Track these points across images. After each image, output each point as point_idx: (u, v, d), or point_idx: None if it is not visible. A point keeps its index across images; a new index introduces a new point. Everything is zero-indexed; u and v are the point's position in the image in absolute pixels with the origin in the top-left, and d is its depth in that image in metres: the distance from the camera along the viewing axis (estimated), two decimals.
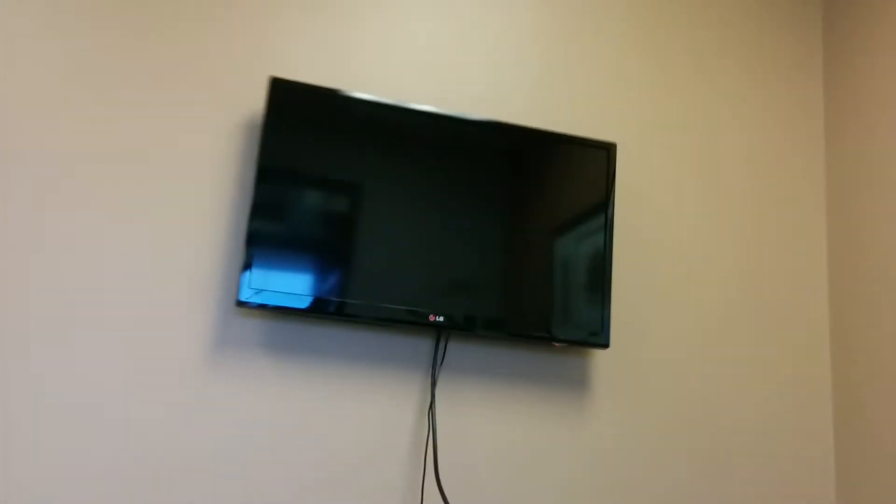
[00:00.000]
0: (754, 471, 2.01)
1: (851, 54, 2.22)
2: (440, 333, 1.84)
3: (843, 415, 2.05)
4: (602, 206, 1.87)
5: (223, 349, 1.73)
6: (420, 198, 1.76)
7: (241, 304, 1.64)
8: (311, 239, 1.69)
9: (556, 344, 1.86)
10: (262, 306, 1.65)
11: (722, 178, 2.15)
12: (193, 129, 1.78)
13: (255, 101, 1.83)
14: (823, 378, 2.11)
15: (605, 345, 1.84)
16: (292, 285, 1.66)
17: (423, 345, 1.84)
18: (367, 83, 1.92)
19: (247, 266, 1.64)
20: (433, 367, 1.81)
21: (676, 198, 2.10)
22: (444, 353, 1.84)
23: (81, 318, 1.66)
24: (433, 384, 1.80)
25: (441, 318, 1.73)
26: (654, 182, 2.09)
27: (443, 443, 1.81)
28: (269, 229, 1.67)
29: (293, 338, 1.77)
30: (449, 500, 1.79)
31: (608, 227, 1.86)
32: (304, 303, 1.67)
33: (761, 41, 2.26)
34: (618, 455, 1.93)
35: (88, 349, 1.66)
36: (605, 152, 1.90)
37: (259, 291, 1.64)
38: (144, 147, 1.75)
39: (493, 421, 1.86)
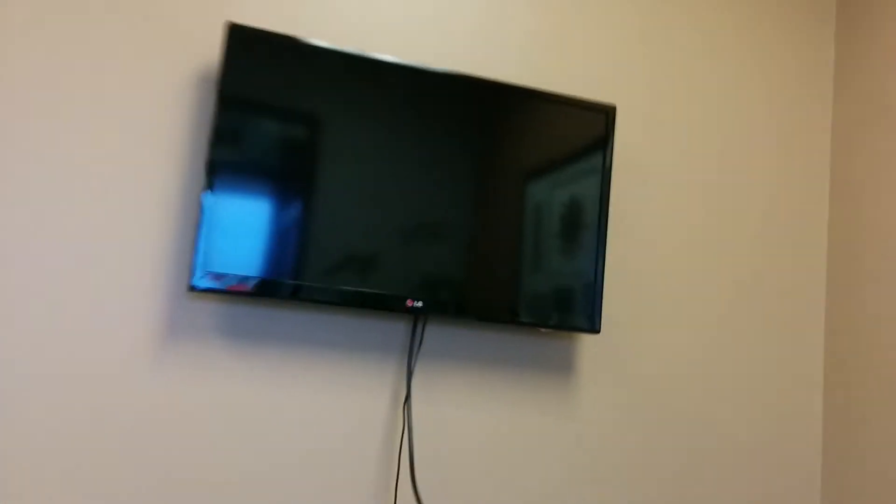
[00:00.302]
0: (743, 463, 1.91)
1: (864, 27, 2.09)
2: (417, 318, 1.66)
3: (833, 404, 1.95)
4: (597, 175, 1.70)
5: (175, 334, 1.53)
6: (389, 155, 1.57)
7: (193, 289, 1.44)
8: (271, 199, 1.49)
9: (543, 329, 1.71)
10: (218, 291, 1.46)
11: (726, 152, 2.00)
12: (139, 81, 1.54)
13: (211, 50, 1.60)
14: (816, 368, 2.01)
15: (596, 330, 1.69)
16: (250, 264, 1.47)
17: (395, 327, 1.67)
18: (337, 31, 1.70)
19: (199, 243, 1.44)
20: (409, 356, 1.64)
21: (676, 171, 1.94)
22: (422, 339, 1.67)
23: (10, 294, 1.44)
24: (409, 374, 1.64)
25: (419, 304, 1.56)
26: (654, 152, 1.93)
27: (418, 435, 1.66)
28: (226, 194, 1.46)
29: (253, 321, 1.58)
30: (424, 499, 1.64)
31: (603, 200, 1.70)
32: (262, 286, 1.47)
33: (773, 9, 2.10)
34: (605, 445, 1.80)
35: (16, 329, 1.44)
36: (603, 115, 1.72)
37: (212, 273, 1.44)
38: (85, 104, 1.52)
39: (473, 410, 1.71)
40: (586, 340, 1.82)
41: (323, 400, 1.61)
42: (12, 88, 1.47)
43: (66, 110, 1.50)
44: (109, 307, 1.50)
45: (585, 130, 1.70)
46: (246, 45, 1.49)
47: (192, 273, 1.44)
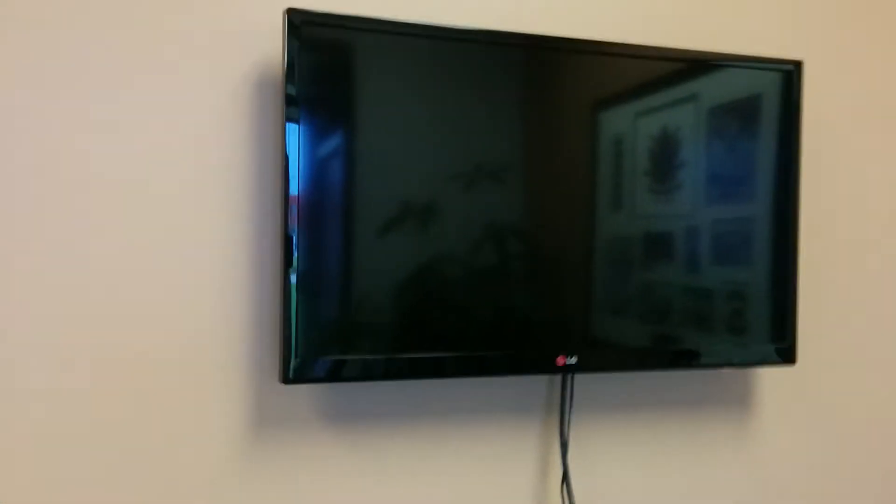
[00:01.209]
0: None
1: None
2: (566, 376, 1.30)
3: None
4: (785, 148, 1.32)
5: (269, 426, 1.19)
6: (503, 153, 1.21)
7: (290, 381, 1.09)
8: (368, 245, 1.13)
9: (725, 370, 1.36)
10: (319, 380, 1.11)
11: None
12: (185, 92, 1.18)
13: (269, 44, 1.22)
14: None
15: (791, 360, 1.33)
16: (354, 342, 1.12)
17: (533, 382, 1.32)
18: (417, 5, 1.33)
19: (291, 326, 1.09)
20: (561, 424, 1.29)
21: (880, 139, 1.52)
22: (572, 397, 1.31)
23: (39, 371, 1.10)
24: (563, 447, 1.28)
25: (573, 360, 1.21)
26: (847, 116, 1.50)
27: None
28: (310, 257, 1.11)
29: (358, 400, 1.23)
30: None
31: (793, 183, 1.32)
32: (377, 369, 1.13)
33: None
34: (793, 493, 1.45)
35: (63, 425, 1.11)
36: (783, 75, 1.33)
37: (310, 361, 1.10)
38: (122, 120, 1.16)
39: (639, 469, 1.36)
40: (769, 369, 1.45)
41: (454, 484, 1.27)
42: (49, 101, 1.11)
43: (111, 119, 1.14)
44: (189, 400, 1.15)
45: (764, 98, 1.32)
46: (311, 32, 1.11)
47: (284, 363, 1.09)
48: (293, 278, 1.09)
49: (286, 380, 1.09)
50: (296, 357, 1.09)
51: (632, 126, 1.25)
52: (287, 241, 1.09)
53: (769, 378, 1.44)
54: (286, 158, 1.09)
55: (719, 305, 1.28)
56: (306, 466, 1.21)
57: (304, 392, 1.21)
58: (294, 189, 1.09)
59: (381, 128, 1.14)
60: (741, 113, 1.30)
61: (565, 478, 1.27)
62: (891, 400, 1.52)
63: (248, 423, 1.18)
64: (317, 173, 1.11)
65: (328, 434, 1.22)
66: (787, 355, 1.32)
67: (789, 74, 1.32)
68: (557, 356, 1.20)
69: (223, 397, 1.17)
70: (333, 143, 1.12)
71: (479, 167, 1.19)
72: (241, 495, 1.17)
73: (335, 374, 1.11)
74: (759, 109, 1.31)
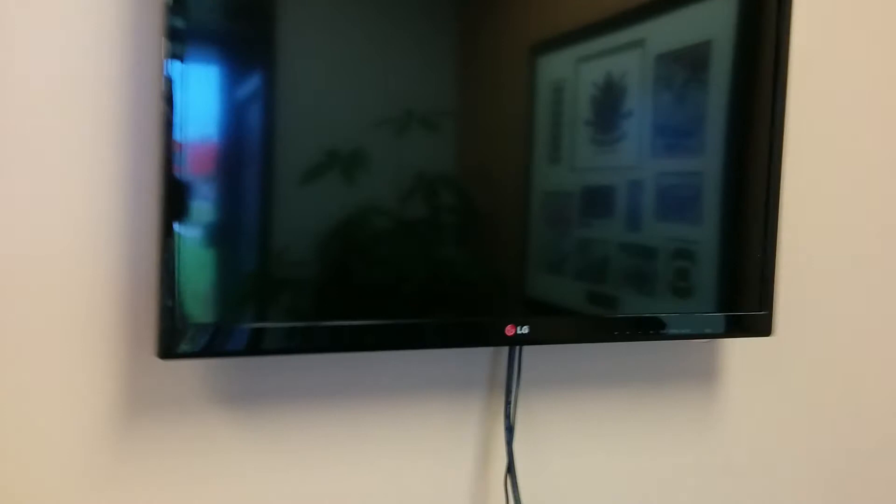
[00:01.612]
0: None
1: None
2: (513, 348, 1.11)
3: None
4: (769, 87, 1.14)
5: (144, 408, 0.95)
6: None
7: (170, 355, 0.86)
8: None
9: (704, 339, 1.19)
10: (216, 354, 0.88)
11: None
12: None
13: None
14: None
15: (766, 331, 1.16)
16: (263, 309, 0.89)
17: (474, 356, 1.12)
18: None
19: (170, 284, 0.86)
20: (507, 405, 1.09)
21: (871, 80, 1.37)
22: (519, 372, 1.12)
23: None
24: (509, 431, 1.09)
25: (525, 329, 1.01)
26: (831, 49, 1.35)
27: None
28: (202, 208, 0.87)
29: (263, 375, 1.01)
30: None
31: (777, 117, 1.14)
32: (292, 341, 0.90)
33: None
34: (759, 478, 1.30)
35: None
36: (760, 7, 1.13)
37: (201, 330, 0.87)
38: None
39: (593, 455, 1.18)
40: (736, 340, 1.29)
41: (378, 477, 1.06)
42: None
43: None
44: (49, 375, 0.91)
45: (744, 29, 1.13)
46: None
47: (162, 331, 0.85)
48: (178, 233, 0.85)
49: (166, 353, 0.85)
50: (182, 325, 0.85)
51: (574, 70, 1.05)
52: (171, 190, 0.85)
53: (736, 349, 1.28)
54: (169, 101, 0.84)
55: (691, 271, 1.10)
56: (196, 457, 0.98)
57: (194, 366, 0.98)
58: (179, 135, 0.85)
59: (299, 64, 0.90)
60: (699, 56, 1.11)
61: (510, 468, 1.08)
62: (868, 374, 1.38)
63: (121, 402, 0.94)
64: (213, 114, 0.86)
65: (224, 416, 0.99)
66: (762, 326, 1.15)
67: (776, 6, 1.13)
68: (506, 325, 1.00)
69: (90, 371, 0.93)
70: (234, 81, 0.88)
71: (411, 112, 0.97)
72: (113, 492, 0.94)
73: (224, 347, 0.88)
74: (743, 47, 1.12)
